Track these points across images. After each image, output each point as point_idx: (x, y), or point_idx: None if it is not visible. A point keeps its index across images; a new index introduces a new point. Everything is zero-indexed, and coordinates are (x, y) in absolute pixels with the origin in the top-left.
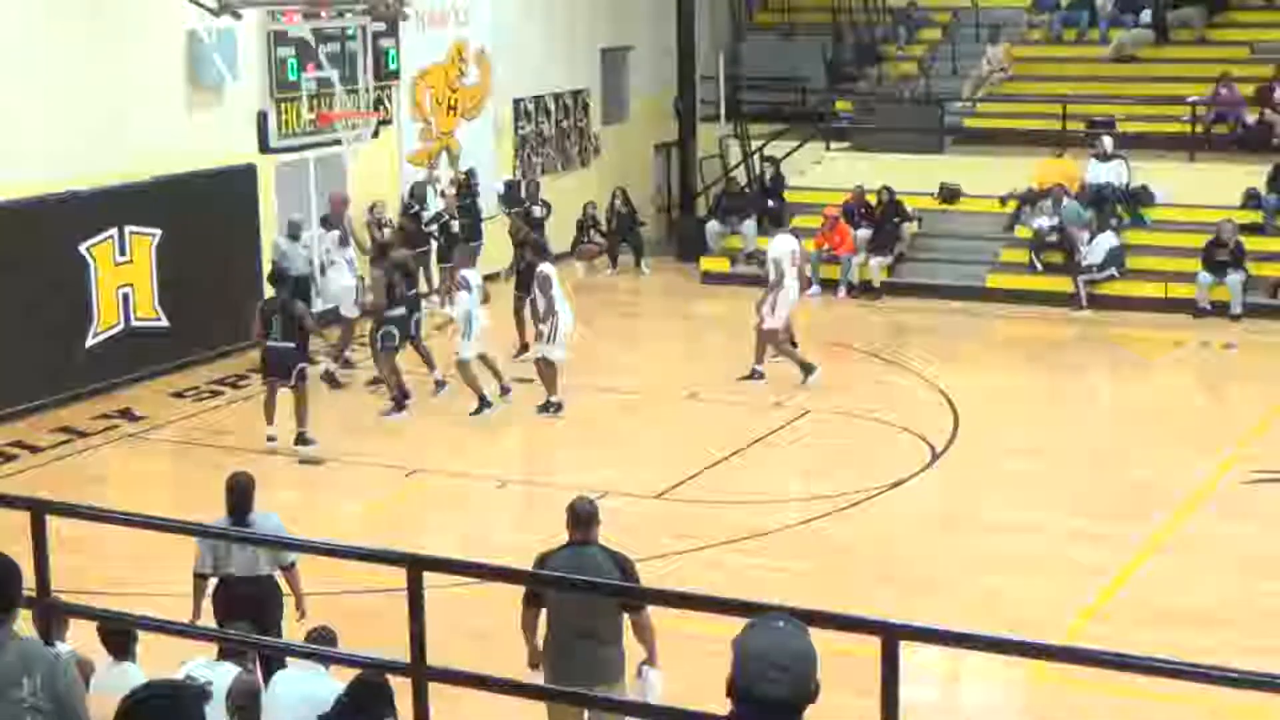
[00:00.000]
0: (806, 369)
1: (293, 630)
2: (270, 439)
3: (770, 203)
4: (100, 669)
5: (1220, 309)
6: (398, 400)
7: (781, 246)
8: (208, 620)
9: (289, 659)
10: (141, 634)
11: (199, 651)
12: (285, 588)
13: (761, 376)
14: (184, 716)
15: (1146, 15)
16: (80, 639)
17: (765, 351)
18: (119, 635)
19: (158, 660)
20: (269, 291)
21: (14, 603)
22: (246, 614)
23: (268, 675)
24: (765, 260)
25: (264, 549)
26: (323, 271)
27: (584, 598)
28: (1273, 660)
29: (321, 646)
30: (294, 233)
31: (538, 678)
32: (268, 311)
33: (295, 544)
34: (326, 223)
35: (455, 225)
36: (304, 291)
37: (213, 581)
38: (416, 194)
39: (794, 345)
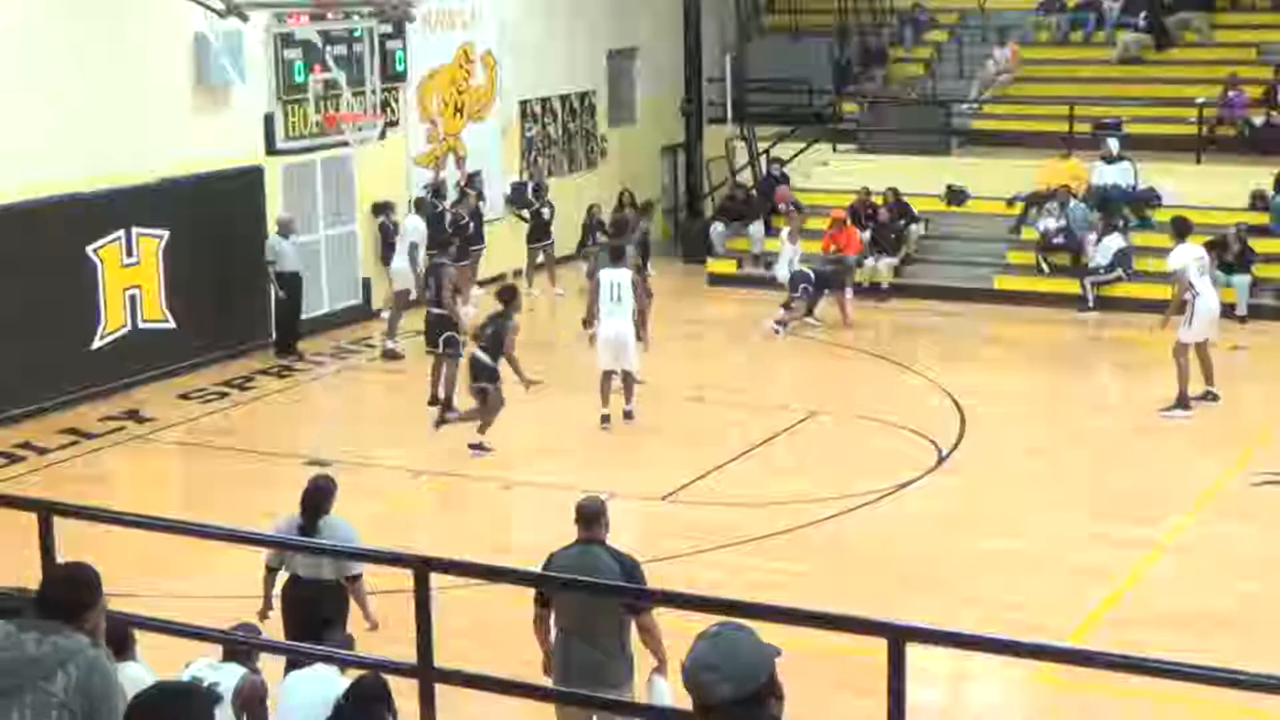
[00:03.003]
0: (1183, 401)
1: (365, 641)
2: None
3: (781, 206)
4: None
5: (1227, 311)
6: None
7: (1184, 255)
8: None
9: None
10: (148, 635)
11: (201, 653)
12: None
13: (1217, 398)
14: (190, 718)
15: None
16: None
17: (1211, 370)
18: (116, 633)
19: (163, 661)
20: (261, 291)
21: (74, 612)
22: (303, 615)
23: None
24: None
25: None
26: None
27: (586, 597)
28: (1276, 662)
29: (330, 649)
30: (285, 231)
31: (550, 681)
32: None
33: (303, 545)
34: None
35: (472, 226)
36: (296, 288)
37: (283, 577)
38: (441, 193)
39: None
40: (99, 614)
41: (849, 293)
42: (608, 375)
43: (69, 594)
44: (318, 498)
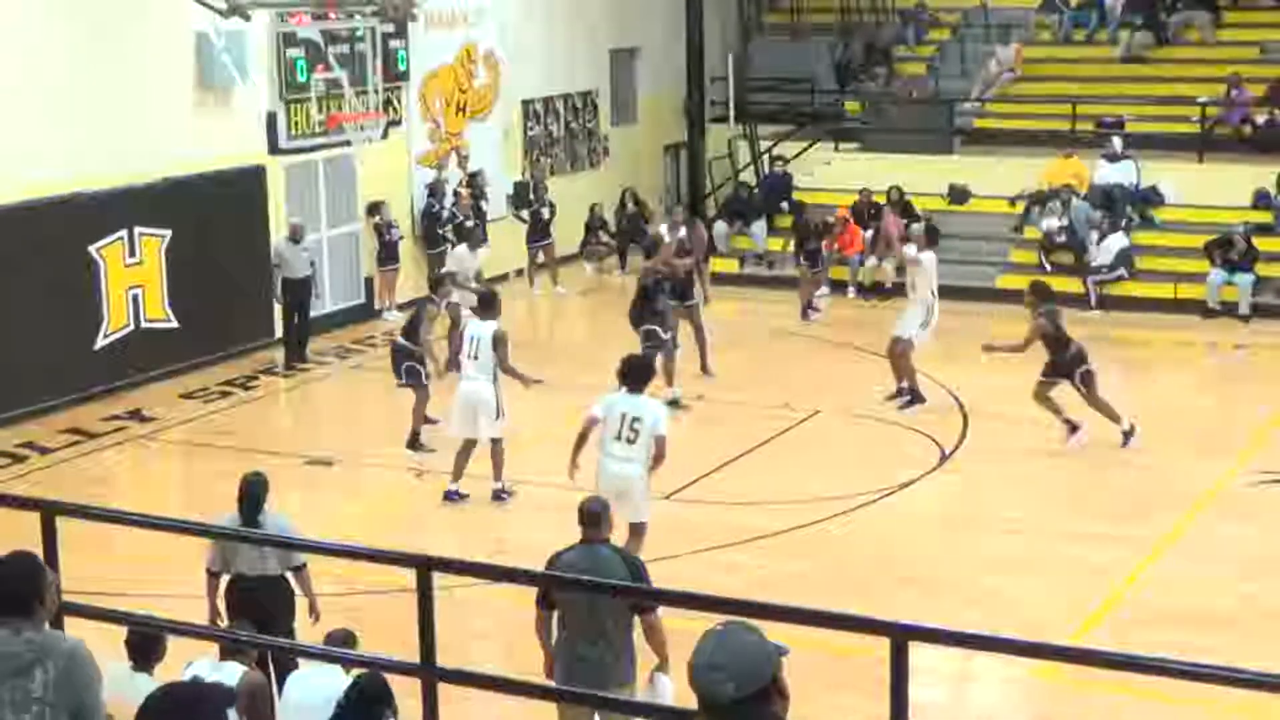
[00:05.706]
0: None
1: (306, 632)
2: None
3: (784, 204)
4: (114, 673)
5: (1230, 309)
6: None
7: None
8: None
9: (302, 660)
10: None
11: (201, 651)
12: (298, 589)
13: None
14: (206, 718)
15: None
16: (88, 641)
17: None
18: (142, 644)
19: (163, 661)
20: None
21: (27, 604)
22: (254, 613)
23: (279, 676)
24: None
25: (273, 549)
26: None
27: (590, 597)
28: (1276, 661)
29: (333, 648)
30: (295, 236)
31: (551, 683)
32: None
33: (307, 545)
34: None
35: (470, 225)
36: (305, 295)
37: (225, 579)
38: (437, 192)
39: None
40: (52, 598)
41: (851, 291)
42: (466, 446)
43: (23, 587)
44: (255, 492)
